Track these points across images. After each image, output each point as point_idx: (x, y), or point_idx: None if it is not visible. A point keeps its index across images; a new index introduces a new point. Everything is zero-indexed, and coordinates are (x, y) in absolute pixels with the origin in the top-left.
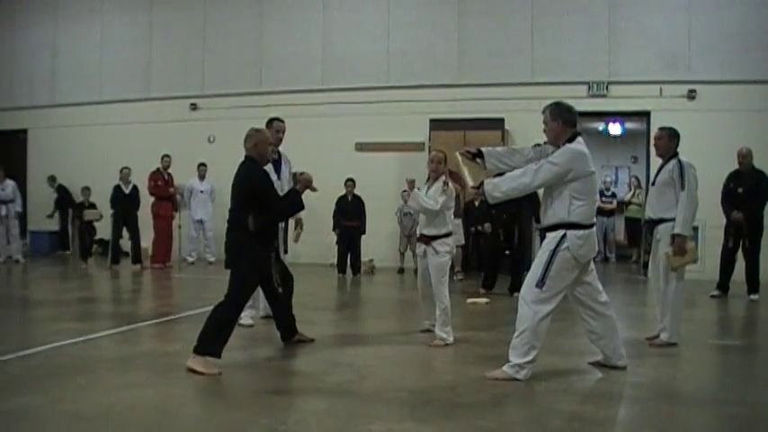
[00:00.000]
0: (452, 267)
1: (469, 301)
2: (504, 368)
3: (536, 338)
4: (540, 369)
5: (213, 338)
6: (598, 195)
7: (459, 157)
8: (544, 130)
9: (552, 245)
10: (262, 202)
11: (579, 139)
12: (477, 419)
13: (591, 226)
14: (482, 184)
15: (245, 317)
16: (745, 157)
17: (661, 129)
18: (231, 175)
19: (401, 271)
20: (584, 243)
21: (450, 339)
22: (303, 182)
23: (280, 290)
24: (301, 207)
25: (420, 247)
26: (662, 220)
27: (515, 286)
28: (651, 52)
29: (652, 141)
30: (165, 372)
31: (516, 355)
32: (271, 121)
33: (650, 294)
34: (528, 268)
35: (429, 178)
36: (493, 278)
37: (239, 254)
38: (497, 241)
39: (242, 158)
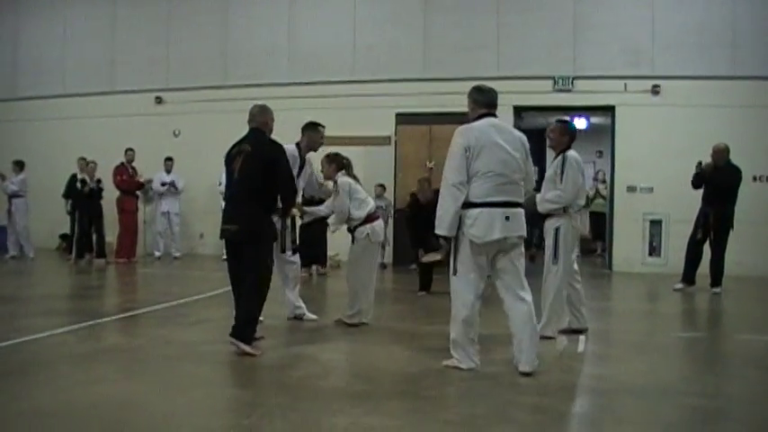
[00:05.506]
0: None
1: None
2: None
3: (467, 326)
4: (503, 362)
5: (248, 322)
6: (500, 170)
7: None
8: None
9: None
10: (278, 174)
11: (485, 119)
12: (442, 412)
13: (488, 205)
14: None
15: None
16: (721, 152)
17: (557, 121)
18: (197, 168)
19: None
20: (474, 222)
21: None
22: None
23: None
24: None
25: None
26: (549, 215)
27: None
28: (615, 48)
29: (615, 136)
30: (128, 367)
31: (453, 348)
32: (315, 126)
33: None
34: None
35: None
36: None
37: (263, 231)
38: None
39: (206, 152)
